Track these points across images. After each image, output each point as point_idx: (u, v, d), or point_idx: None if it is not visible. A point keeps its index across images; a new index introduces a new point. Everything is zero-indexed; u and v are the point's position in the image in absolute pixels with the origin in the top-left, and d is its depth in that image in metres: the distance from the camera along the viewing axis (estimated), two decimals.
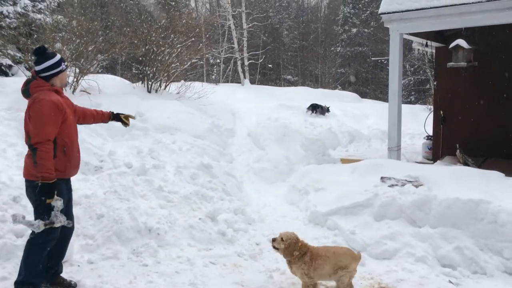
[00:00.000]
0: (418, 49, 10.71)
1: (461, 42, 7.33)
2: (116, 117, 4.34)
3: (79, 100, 7.92)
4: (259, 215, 6.15)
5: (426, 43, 8.54)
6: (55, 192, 3.54)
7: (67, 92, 8.15)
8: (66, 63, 3.87)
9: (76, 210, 5.15)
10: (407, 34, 7.95)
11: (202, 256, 4.80)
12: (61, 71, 3.76)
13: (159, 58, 9.90)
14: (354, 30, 33.28)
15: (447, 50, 7.69)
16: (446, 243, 4.71)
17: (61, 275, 4.02)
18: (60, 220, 3.59)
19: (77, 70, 8.42)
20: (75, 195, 5.44)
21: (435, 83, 9.27)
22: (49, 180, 3.48)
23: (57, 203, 3.57)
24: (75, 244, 4.67)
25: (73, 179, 5.84)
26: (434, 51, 9.30)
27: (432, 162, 8.37)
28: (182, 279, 4.24)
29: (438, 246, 4.71)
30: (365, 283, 4.23)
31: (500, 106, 8.23)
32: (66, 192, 3.81)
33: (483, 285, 4.16)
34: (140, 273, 4.31)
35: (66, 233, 3.93)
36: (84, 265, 4.41)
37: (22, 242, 4.11)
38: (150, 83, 9.92)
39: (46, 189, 3.49)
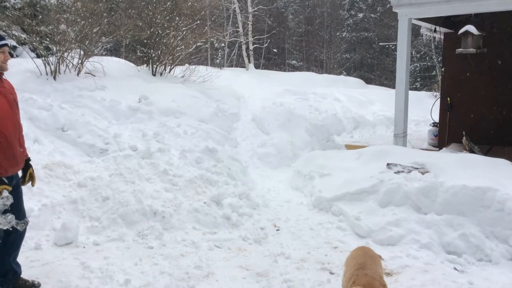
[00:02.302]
0: (426, 34, 10.55)
1: (471, 28, 7.20)
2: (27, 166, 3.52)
3: (84, 82, 7.92)
4: (263, 200, 6.14)
5: (435, 28, 8.41)
6: None
7: (71, 74, 8.12)
8: (4, 42, 3.18)
9: (81, 192, 5.19)
10: (415, 19, 7.84)
11: (207, 239, 4.81)
12: None
13: (164, 41, 9.82)
14: (360, 15, 32.94)
15: (456, 36, 7.58)
16: (451, 230, 4.69)
17: (22, 276, 3.60)
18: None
19: (82, 52, 8.37)
20: (80, 177, 5.48)
21: (442, 69, 9.17)
22: None
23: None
24: (80, 225, 4.70)
25: (78, 162, 5.93)
26: (442, 37, 9.17)
27: (437, 149, 8.32)
28: (187, 262, 4.26)
29: (443, 233, 4.69)
30: None
31: (508, 93, 8.15)
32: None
33: (488, 272, 4.15)
34: (145, 256, 4.33)
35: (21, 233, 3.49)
36: (90, 247, 4.43)
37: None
38: (154, 66, 9.87)
39: None
